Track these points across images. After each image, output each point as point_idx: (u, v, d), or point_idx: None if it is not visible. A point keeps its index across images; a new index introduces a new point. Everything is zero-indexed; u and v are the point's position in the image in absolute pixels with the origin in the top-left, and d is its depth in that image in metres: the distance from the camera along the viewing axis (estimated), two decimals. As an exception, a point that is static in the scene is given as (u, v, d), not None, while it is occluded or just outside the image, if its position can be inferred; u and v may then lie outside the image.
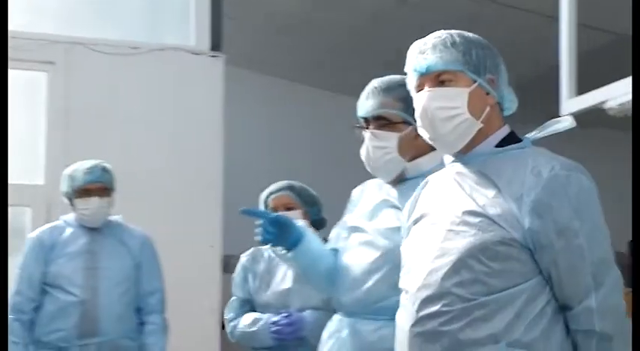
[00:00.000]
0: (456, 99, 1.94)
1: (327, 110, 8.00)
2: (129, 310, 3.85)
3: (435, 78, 1.97)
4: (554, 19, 3.94)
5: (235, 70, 6.26)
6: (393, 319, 2.43)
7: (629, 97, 3.55)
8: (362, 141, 2.57)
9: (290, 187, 3.61)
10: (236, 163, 6.39)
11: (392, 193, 2.58)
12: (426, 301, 1.88)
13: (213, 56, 5.64)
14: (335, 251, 2.66)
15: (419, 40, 2.04)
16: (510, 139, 1.99)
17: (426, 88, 1.97)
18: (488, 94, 1.98)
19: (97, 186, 3.80)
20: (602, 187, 1.98)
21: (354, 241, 2.59)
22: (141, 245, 3.93)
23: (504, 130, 2.00)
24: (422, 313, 1.89)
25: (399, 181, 2.57)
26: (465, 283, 1.84)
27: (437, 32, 2.03)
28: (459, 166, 1.99)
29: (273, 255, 3.47)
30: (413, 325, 1.91)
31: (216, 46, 5.70)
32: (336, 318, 2.59)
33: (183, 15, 5.78)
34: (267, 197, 3.62)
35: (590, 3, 3.97)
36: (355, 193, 2.74)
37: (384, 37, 6.92)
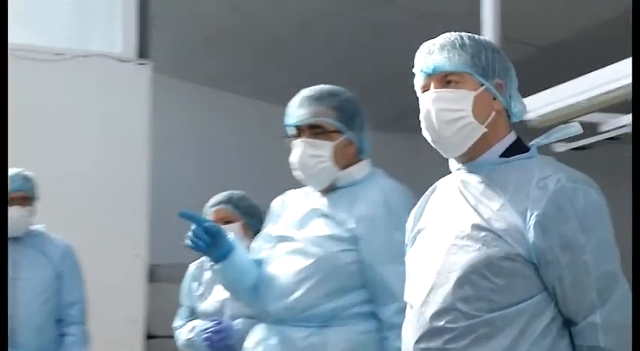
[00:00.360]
0: (460, 101, 1.89)
1: (253, 118, 8.00)
2: (49, 321, 3.79)
3: (442, 79, 1.91)
4: (477, 30, 4.01)
5: (162, 78, 6.22)
6: (323, 326, 2.46)
7: (550, 108, 3.64)
8: (291, 149, 2.58)
9: (228, 200, 3.60)
10: (163, 171, 6.34)
11: (322, 202, 2.59)
12: (430, 318, 1.85)
13: (140, 64, 5.59)
14: (258, 263, 2.65)
15: (428, 41, 1.98)
16: (517, 147, 1.93)
17: (432, 89, 1.92)
18: (495, 99, 1.92)
19: (18, 195, 3.76)
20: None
21: (281, 251, 2.59)
22: (62, 255, 3.88)
23: (510, 138, 1.94)
24: (426, 329, 1.85)
25: (330, 189, 2.59)
26: (469, 299, 1.81)
27: (447, 34, 1.96)
28: (464, 174, 1.94)
29: None
30: (417, 342, 1.87)
31: (143, 53, 5.65)
32: (261, 326, 2.59)
33: (109, 22, 5.72)
34: (208, 210, 3.63)
35: (512, 15, 4.06)
36: (275, 204, 2.75)
37: (310, 46, 6.96)
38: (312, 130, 2.55)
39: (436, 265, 1.87)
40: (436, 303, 1.84)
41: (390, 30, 6.40)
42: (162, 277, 6.39)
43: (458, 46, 1.92)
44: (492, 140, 1.92)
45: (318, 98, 2.58)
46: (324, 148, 2.54)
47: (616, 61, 3.68)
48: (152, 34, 5.76)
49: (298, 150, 2.56)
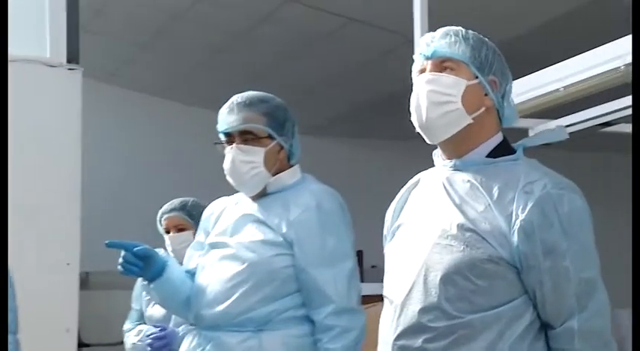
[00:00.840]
0: (452, 87, 1.90)
1: (186, 124, 7.98)
2: (-22, 331, 3.72)
3: (439, 64, 1.93)
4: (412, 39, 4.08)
5: (93, 83, 6.17)
6: (258, 330, 2.47)
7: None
8: (223, 155, 2.60)
9: (181, 207, 3.62)
10: (94, 177, 6.28)
11: (254, 208, 2.61)
12: (410, 315, 1.85)
13: (69, 69, 5.53)
14: (191, 273, 2.66)
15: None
16: (503, 148, 1.94)
17: (427, 72, 1.93)
18: (487, 95, 1.93)
19: (-55, 202, 3.68)
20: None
21: (214, 257, 2.60)
22: (-8, 263, 3.81)
23: (497, 138, 1.95)
24: (405, 327, 1.86)
25: (261, 195, 2.61)
26: (451, 300, 1.81)
27: (453, 26, 1.99)
28: (449, 172, 1.94)
29: None
30: (396, 339, 1.87)
31: (73, 58, 5.59)
32: (195, 332, 2.59)
33: (38, 26, 5.64)
34: (161, 217, 3.63)
35: (443, 24, 4.12)
36: (206, 212, 2.77)
37: (242, 54, 6.98)
38: (243, 136, 2.57)
39: (418, 262, 1.87)
40: (417, 301, 1.84)
41: (323, 37, 6.45)
42: (93, 285, 6.32)
43: (461, 36, 1.95)
44: (478, 136, 1.93)
45: (248, 104, 2.59)
46: (256, 154, 2.56)
47: (541, 68, 3.78)
48: (82, 39, 5.71)
49: (230, 156, 2.57)
